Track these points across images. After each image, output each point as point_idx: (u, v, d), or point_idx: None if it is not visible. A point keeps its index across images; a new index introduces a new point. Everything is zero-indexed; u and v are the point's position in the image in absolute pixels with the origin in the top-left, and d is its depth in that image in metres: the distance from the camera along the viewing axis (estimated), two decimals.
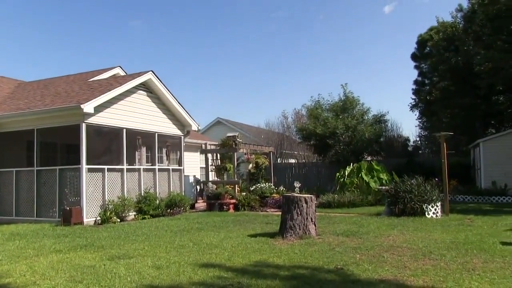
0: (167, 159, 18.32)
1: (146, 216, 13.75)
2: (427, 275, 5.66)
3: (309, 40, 65.71)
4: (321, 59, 68.01)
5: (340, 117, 24.21)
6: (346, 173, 18.82)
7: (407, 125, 45.29)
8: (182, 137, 17.43)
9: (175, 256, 7.16)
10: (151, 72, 15.27)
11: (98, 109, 13.04)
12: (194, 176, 19.28)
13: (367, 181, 18.03)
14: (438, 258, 6.69)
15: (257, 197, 17.01)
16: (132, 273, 6.03)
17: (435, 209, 12.47)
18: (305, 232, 8.88)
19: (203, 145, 19.51)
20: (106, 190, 13.35)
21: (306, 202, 9.04)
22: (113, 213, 12.89)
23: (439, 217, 12.36)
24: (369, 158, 24.90)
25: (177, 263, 6.59)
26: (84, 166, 12.73)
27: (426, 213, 12.31)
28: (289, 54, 67.03)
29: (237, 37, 66.78)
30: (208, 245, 8.28)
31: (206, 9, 63.39)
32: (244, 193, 17.38)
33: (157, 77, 15.45)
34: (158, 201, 14.60)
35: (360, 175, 18.38)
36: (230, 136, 17.97)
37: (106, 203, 13.16)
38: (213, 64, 69.50)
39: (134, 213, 13.94)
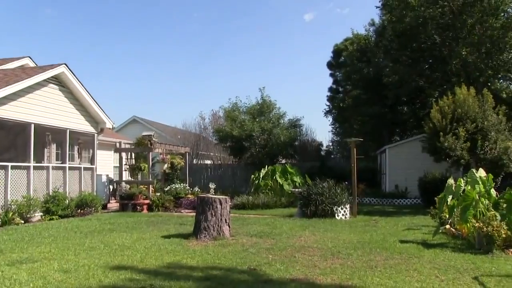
0: (78, 157, 17.56)
1: (54, 217, 13.06)
2: (335, 273, 6.01)
3: (229, 43, 66.17)
4: (240, 62, 68.73)
5: (257, 120, 24.61)
6: (261, 175, 19.20)
7: (321, 130, 47.22)
8: (96, 134, 16.79)
9: (85, 259, 6.92)
10: (64, 65, 14.56)
11: (2, 101, 12.19)
12: (107, 175, 18.64)
13: (281, 183, 18.53)
14: (345, 257, 7.11)
15: (172, 197, 16.84)
16: (36, 278, 5.72)
17: (344, 211, 13.17)
18: (219, 233, 8.98)
19: (118, 144, 18.92)
20: (9, 189, 12.43)
21: (221, 204, 9.16)
22: (16, 214, 12.09)
23: (347, 218, 13.06)
24: (283, 161, 25.54)
25: (87, 266, 6.38)
26: None
27: (336, 214, 12.96)
28: (208, 55, 66.98)
29: (158, 36, 65.54)
30: (120, 246, 8.09)
31: (127, 4, 61.49)
32: (159, 194, 17.13)
33: (70, 71, 14.76)
34: (67, 201, 13.93)
35: (274, 177, 18.84)
36: (146, 135, 17.62)
37: (9, 203, 12.29)
38: (131, 61, 67.61)
39: (41, 213, 13.17)
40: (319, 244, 8.36)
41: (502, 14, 18.95)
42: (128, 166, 18.01)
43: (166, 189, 17.81)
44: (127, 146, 18.96)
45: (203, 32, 66.04)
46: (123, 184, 17.28)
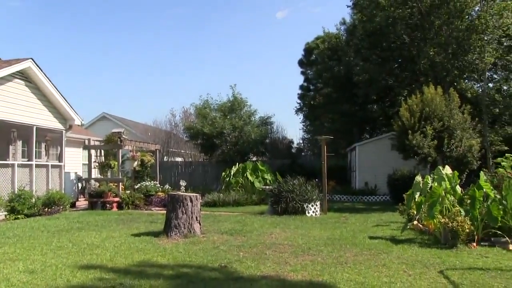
0: (46, 155, 17.14)
1: (19, 216, 12.71)
2: (306, 270, 6.07)
3: (200, 39, 65.78)
4: (212, 59, 68.46)
5: (228, 117, 24.58)
6: (232, 173, 19.20)
7: (292, 128, 47.48)
8: (64, 131, 16.43)
9: (52, 259, 6.77)
10: (31, 60, 14.18)
11: None
12: (76, 173, 18.27)
13: (252, 180, 18.58)
14: (316, 253, 7.18)
15: (142, 195, 16.65)
16: None
17: (315, 208, 13.30)
18: (190, 231, 8.94)
19: (87, 141, 18.52)
20: None
21: (192, 201, 9.11)
22: None
23: (318, 215, 13.20)
24: (254, 159, 25.61)
25: (54, 266, 6.25)
26: None
27: (307, 211, 13.07)
28: (179, 52, 66.44)
29: (128, 31, 64.55)
30: (89, 245, 7.96)
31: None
32: (129, 191, 16.92)
33: (37, 65, 14.39)
34: (34, 200, 13.59)
35: (245, 175, 18.88)
36: (116, 132, 17.35)
37: None
38: (101, 57, 66.37)
39: (5, 213, 12.79)
40: (290, 241, 8.42)
41: (467, 16, 19.49)
42: (97, 164, 17.70)
43: (136, 186, 17.60)
44: (97, 143, 18.62)
45: (174, 28, 65.50)
46: (93, 181, 16.98)
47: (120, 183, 16.74)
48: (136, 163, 18.32)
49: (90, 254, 7.11)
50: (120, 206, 15.80)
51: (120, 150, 17.19)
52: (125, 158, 19.18)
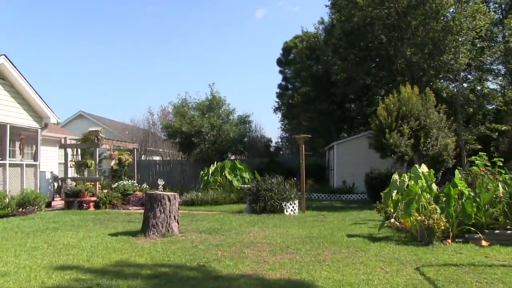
0: (20, 154, 16.77)
1: None
2: (284, 268, 6.08)
3: (179, 38, 65.36)
4: (190, 57, 68.10)
5: (206, 116, 24.48)
6: (210, 172, 19.13)
7: (270, 126, 47.67)
8: (39, 130, 16.10)
9: (26, 260, 6.61)
10: (3, 56, 13.85)
11: None
12: (52, 172, 17.93)
13: (230, 179, 18.55)
14: (294, 252, 7.21)
15: (120, 194, 16.45)
16: None
17: (293, 207, 13.35)
18: (168, 230, 8.88)
19: (63, 140, 18.22)
20: None
21: (170, 200, 9.05)
22: None
23: (296, 214, 13.25)
24: (233, 157, 25.59)
25: (28, 268, 6.11)
26: None
27: (285, 210, 13.11)
28: (158, 50, 65.90)
29: (106, 29, 63.68)
30: (65, 245, 7.81)
31: None
32: (106, 191, 16.70)
33: (11, 62, 14.06)
34: (8, 200, 13.26)
35: (223, 173, 18.83)
36: (93, 130, 17.10)
37: None
38: (78, 54, 65.30)
39: None
40: (268, 239, 8.43)
41: (442, 18, 19.87)
42: (74, 163, 17.43)
43: (114, 186, 17.39)
44: (73, 142, 18.32)
45: (153, 26, 64.91)
46: (69, 181, 16.70)
47: (97, 182, 16.52)
48: (113, 162, 18.10)
49: (66, 255, 6.98)
50: (97, 206, 15.59)
51: (97, 149, 16.96)
52: (103, 157, 18.91)
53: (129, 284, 5.22)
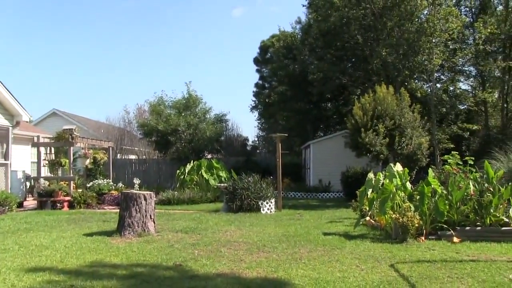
0: None
1: None
2: (260, 266, 6.09)
3: (155, 36, 64.77)
4: (166, 55, 67.55)
5: (183, 114, 24.33)
6: (187, 171, 19.01)
7: (247, 125, 47.58)
8: (11, 128, 15.72)
9: None
10: None
11: None
12: (24, 171, 17.55)
13: (206, 178, 18.46)
14: (271, 250, 7.23)
15: (95, 194, 16.20)
16: None
17: (270, 205, 13.39)
18: (144, 230, 8.79)
19: (36, 138, 17.83)
20: None
21: (145, 199, 8.96)
22: None
23: (273, 212, 13.29)
24: (209, 156, 25.49)
25: None
26: None
27: (262, 209, 13.13)
28: (133, 48, 65.12)
29: (80, 25, 62.58)
30: (37, 246, 7.63)
31: None
32: (80, 190, 16.43)
33: None
34: None
35: (200, 172, 18.73)
36: (67, 129, 16.79)
37: None
38: (51, 51, 63.98)
39: None
40: (245, 238, 8.43)
41: (417, 19, 20.25)
42: (47, 162, 17.09)
43: (89, 185, 17.12)
44: (46, 140, 17.96)
45: (128, 23, 64.12)
46: (42, 180, 16.36)
47: (72, 182, 16.25)
48: (88, 161, 17.83)
49: (39, 256, 6.83)
50: (71, 206, 15.33)
51: (72, 148, 16.66)
52: (77, 155, 18.60)
53: (104, 285, 5.15)
